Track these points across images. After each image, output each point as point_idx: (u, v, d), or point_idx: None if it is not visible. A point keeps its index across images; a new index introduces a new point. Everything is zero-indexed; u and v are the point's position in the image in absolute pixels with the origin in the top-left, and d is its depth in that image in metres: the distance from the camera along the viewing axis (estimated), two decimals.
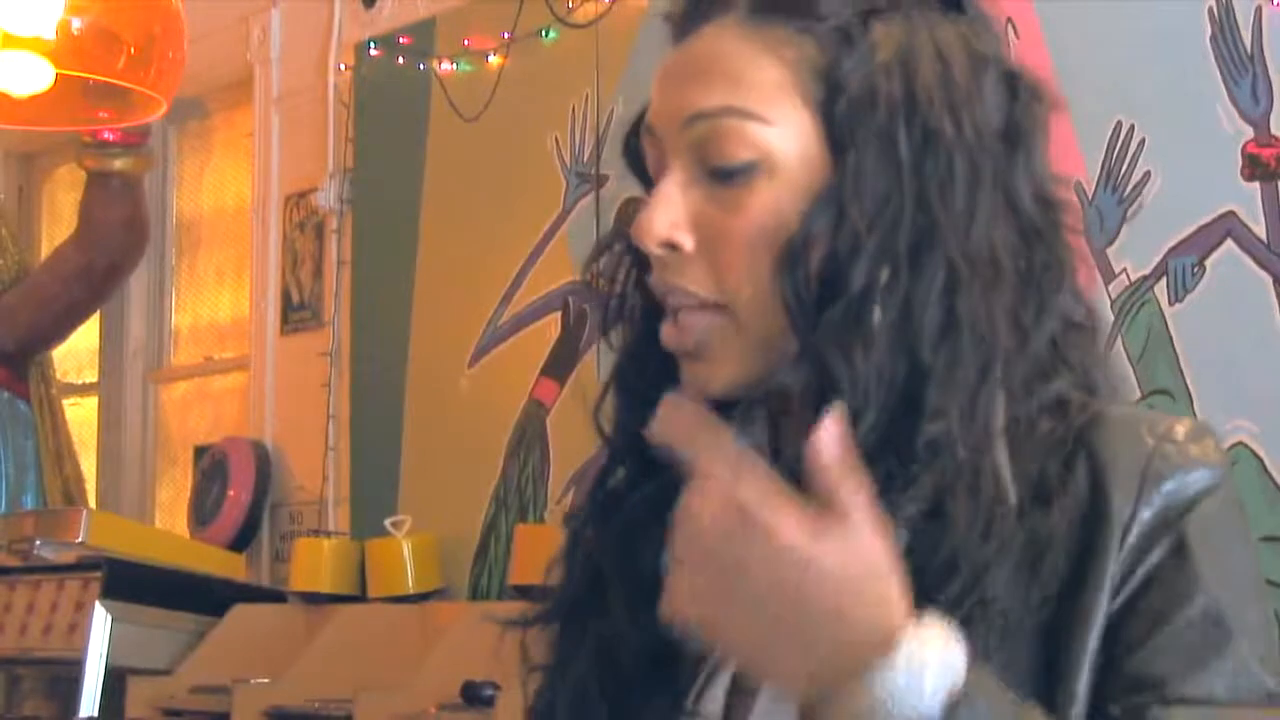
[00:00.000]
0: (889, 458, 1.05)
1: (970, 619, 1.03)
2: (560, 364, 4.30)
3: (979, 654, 1.01)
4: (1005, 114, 1.11)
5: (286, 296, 5.13)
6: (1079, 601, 1.06)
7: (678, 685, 1.13)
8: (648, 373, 1.18)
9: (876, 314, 1.06)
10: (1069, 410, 1.11)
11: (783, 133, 1.09)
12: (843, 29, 1.10)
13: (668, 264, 1.12)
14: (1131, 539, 1.07)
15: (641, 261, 1.18)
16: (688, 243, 1.11)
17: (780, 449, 1.17)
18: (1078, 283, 1.15)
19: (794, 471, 1.07)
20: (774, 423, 1.18)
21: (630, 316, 1.21)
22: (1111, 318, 3.14)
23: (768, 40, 1.10)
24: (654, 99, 1.15)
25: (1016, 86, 1.12)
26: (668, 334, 1.13)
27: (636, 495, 1.18)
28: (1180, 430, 1.10)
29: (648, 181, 1.18)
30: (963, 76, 1.09)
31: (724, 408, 1.17)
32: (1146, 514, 1.07)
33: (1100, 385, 1.15)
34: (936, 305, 1.06)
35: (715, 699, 1.13)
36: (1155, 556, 1.07)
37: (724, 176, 1.10)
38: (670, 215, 1.11)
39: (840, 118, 1.08)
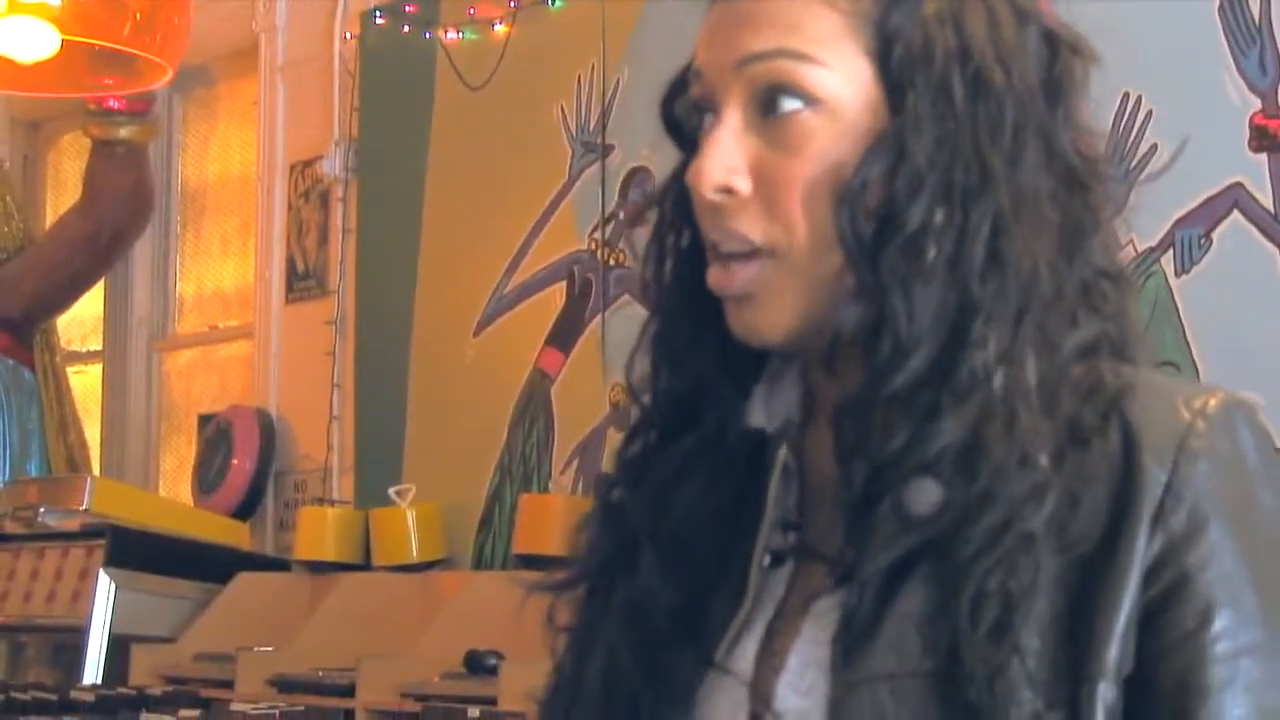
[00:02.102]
0: (932, 389, 1.07)
1: (1013, 553, 1.04)
2: (565, 333, 4.30)
3: (1020, 593, 1.02)
4: (1046, 69, 1.14)
5: (291, 265, 5.13)
6: (1109, 566, 1.06)
7: (707, 643, 1.14)
8: (684, 333, 1.19)
9: (932, 251, 1.08)
10: (1100, 364, 1.12)
11: (839, 77, 1.11)
12: None
13: (723, 209, 1.12)
14: (1173, 522, 1.06)
15: (681, 217, 1.18)
16: (745, 187, 1.12)
17: (809, 416, 1.17)
18: (1112, 236, 1.18)
19: (839, 426, 1.10)
20: (804, 378, 1.18)
21: (666, 276, 1.20)
22: None
23: None
24: (701, 48, 1.16)
25: (1056, 43, 1.15)
26: (717, 278, 1.13)
27: (668, 454, 1.19)
28: (1213, 404, 1.11)
29: (684, 145, 1.18)
30: (1009, 31, 1.12)
31: (758, 362, 1.17)
32: (1189, 496, 1.06)
33: (1130, 336, 1.16)
34: (984, 244, 1.09)
35: (745, 657, 1.13)
36: (1196, 554, 1.06)
37: (780, 119, 1.11)
38: (727, 160, 1.12)
39: (898, 64, 1.10)
